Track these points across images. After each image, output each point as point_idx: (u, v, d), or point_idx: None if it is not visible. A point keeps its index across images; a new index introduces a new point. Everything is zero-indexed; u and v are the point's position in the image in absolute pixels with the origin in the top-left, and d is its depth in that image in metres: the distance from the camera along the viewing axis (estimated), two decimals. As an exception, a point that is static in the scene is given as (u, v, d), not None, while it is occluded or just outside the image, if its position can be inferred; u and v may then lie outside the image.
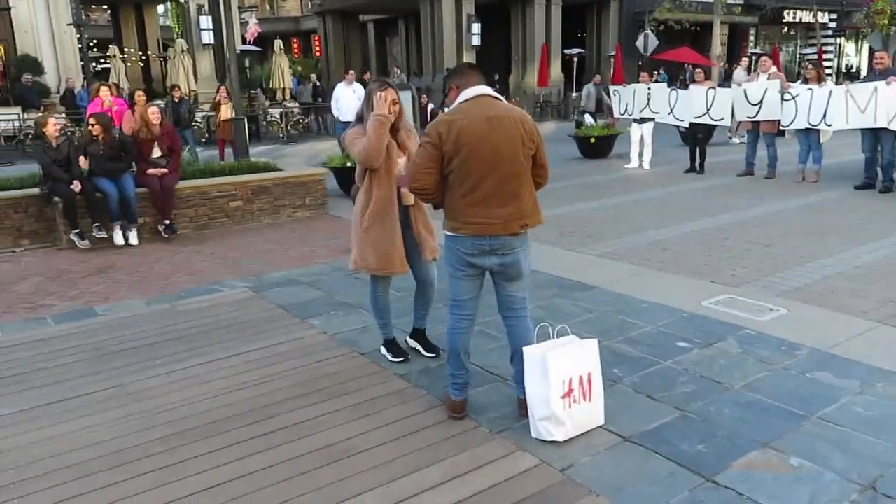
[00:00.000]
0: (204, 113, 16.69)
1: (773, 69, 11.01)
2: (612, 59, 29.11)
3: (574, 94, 24.30)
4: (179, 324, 4.98)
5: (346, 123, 12.24)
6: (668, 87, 12.36)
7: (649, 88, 12.05)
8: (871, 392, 3.62)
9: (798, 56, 36.77)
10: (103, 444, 3.34)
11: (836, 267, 5.87)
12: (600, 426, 3.34)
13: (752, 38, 34.44)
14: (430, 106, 17.28)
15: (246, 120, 9.77)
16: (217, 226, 8.19)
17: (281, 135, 17.71)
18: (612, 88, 13.44)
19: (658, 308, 4.96)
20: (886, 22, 19.79)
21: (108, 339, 4.72)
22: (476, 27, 25.22)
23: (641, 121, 12.06)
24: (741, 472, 2.95)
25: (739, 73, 15.30)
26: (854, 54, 39.66)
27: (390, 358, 4.21)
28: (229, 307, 5.32)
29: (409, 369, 4.09)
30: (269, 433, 3.39)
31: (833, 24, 35.74)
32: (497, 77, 25.38)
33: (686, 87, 11.74)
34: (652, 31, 24.30)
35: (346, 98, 12.29)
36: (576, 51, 25.04)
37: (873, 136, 9.21)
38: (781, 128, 10.46)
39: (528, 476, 2.98)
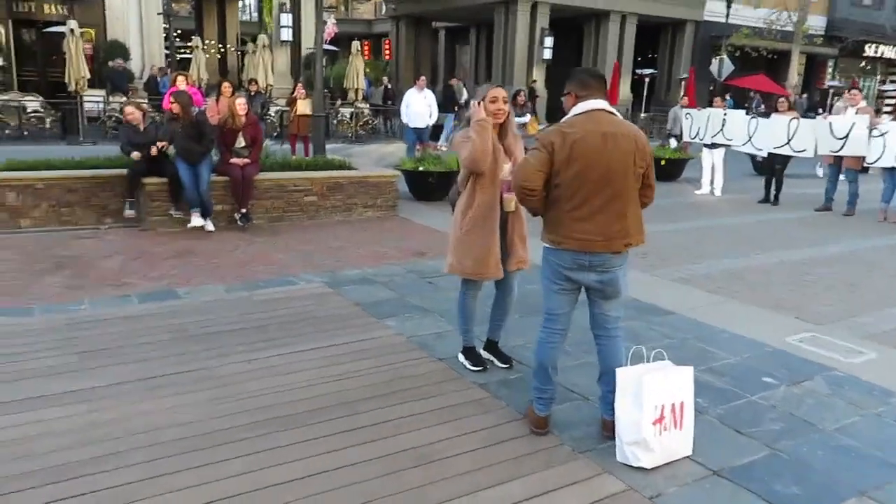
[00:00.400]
0: (278, 108, 17.04)
1: (863, 103, 10.66)
2: (682, 82, 28.72)
3: (643, 115, 24.02)
4: (258, 313, 5.07)
5: (416, 129, 12.35)
6: (746, 114, 12.07)
7: (725, 114, 11.81)
8: (974, 449, 3.45)
9: (876, 91, 35.55)
10: (193, 425, 3.41)
11: (927, 314, 5.63)
12: (687, 456, 3.27)
13: (829, 69, 33.48)
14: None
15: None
16: (290, 219, 8.33)
17: (350, 134, 17.97)
18: (684, 111, 13.21)
19: (740, 340, 4.84)
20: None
21: (191, 322, 4.84)
22: (549, 41, 25.18)
23: (713, 146, 11.83)
24: (839, 519, 2.84)
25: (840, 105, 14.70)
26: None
27: (468, 366, 4.20)
28: (306, 300, 5.40)
29: (487, 379, 4.07)
30: (354, 429, 3.42)
31: (917, 61, 34.50)
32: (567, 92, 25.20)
33: (764, 114, 11.45)
34: (727, 56, 23.87)
35: (417, 104, 12.39)
36: (648, 71, 24.73)
37: (967, 180, 8.83)
38: (865, 165, 10.10)
39: (614, 500, 2.93)
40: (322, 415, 3.56)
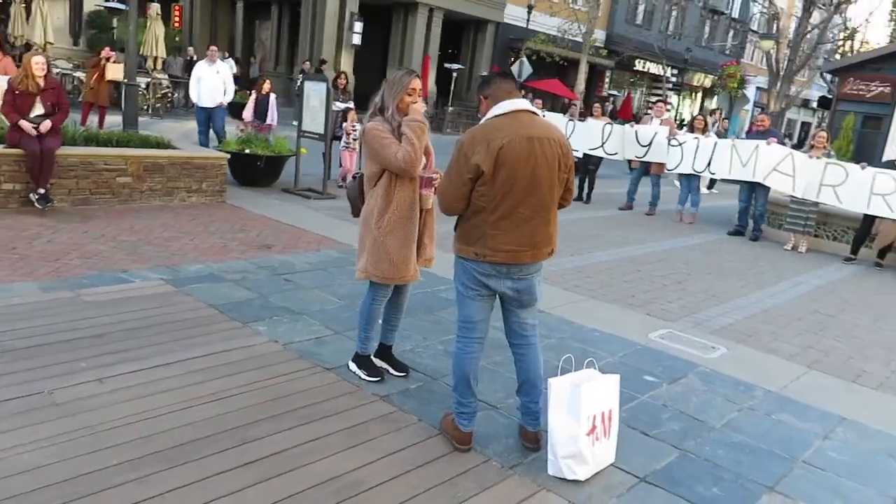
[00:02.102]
0: (60, 70, 14.79)
1: (666, 115, 11.73)
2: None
3: (449, 109, 24.57)
4: (93, 318, 4.24)
5: (206, 109, 10.51)
6: (564, 116, 12.75)
7: (544, 115, 12.36)
8: (834, 437, 3.82)
9: (644, 102, 39.82)
10: (46, 470, 2.69)
11: (748, 309, 6.26)
12: (611, 464, 3.23)
13: (607, 79, 36.85)
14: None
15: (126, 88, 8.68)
16: (99, 202, 7.19)
17: (145, 107, 16.15)
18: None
19: (611, 338, 4.98)
20: (736, 86, 22.00)
21: (5, 332, 3.90)
22: (358, 26, 24.76)
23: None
24: (763, 518, 2.96)
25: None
26: (687, 109, 43.76)
27: (364, 376, 3.84)
28: (149, 302, 4.62)
29: (388, 390, 3.75)
30: (254, 462, 2.92)
31: (674, 79, 39.19)
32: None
33: (581, 118, 12.15)
34: (526, 59, 25.23)
35: (209, 79, 10.43)
36: (455, 66, 25.32)
37: (749, 189, 10.07)
38: (667, 171, 11.14)
39: (563, 520, 2.79)
40: (210, 445, 3.01)
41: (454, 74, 25.03)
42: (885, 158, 14.61)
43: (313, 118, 9.37)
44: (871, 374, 4.95)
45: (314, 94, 9.36)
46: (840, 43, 27.03)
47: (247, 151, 9.13)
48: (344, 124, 10.09)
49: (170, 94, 17.18)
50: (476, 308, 3.19)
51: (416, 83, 3.53)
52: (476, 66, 30.25)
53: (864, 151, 15.13)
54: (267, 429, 3.20)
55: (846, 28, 25.62)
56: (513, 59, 28.87)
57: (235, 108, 12.45)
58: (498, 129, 2.97)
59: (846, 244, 9.47)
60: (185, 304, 4.66)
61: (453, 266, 3.26)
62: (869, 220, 8.99)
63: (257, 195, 8.84)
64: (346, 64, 25.13)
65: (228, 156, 8.43)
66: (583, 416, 3.02)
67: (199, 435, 3.08)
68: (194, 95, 10.68)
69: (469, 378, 3.22)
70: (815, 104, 44.39)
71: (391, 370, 3.97)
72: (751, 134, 11.34)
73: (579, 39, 27.39)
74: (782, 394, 4.35)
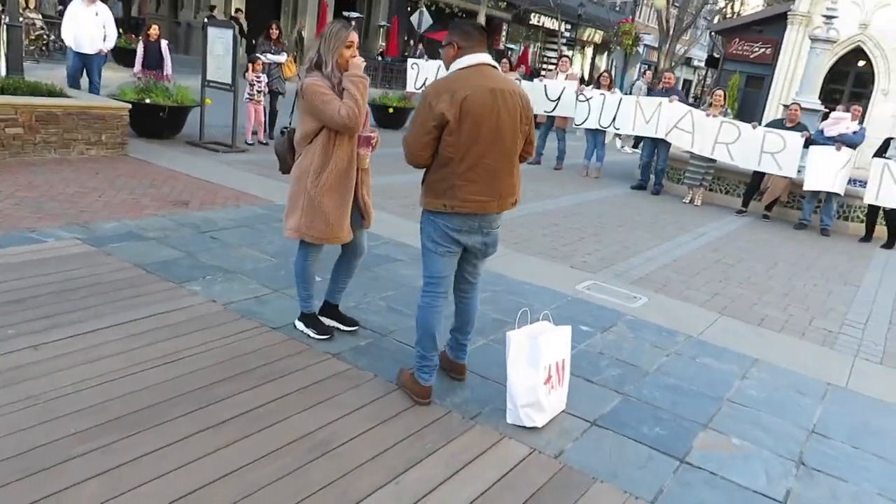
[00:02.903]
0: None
1: (571, 70, 11.99)
2: (381, 30, 29.32)
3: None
4: (11, 282, 3.94)
5: (82, 56, 9.30)
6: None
7: (416, 63, 12.31)
8: (750, 377, 4.19)
9: (540, 57, 40.41)
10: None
11: (659, 260, 6.65)
12: (563, 411, 3.41)
13: (504, 33, 37.04)
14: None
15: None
16: (-12, 155, 6.59)
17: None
18: (410, 61, 13.49)
19: (543, 291, 5.18)
20: (630, 42, 22.74)
21: (-88, 298, 3.57)
22: (249, -33, 23.47)
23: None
24: (702, 453, 3.23)
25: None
26: (578, 64, 44.85)
27: (312, 334, 3.81)
28: (70, 263, 4.34)
29: (339, 348, 3.74)
30: (223, 423, 2.87)
31: (568, 34, 39.94)
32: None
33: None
34: (426, 9, 24.89)
35: (86, 21, 9.09)
36: (354, 14, 24.55)
37: (652, 144, 10.56)
38: (574, 126, 11.46)
39: (528, 465, 2.93)
40: (173, 409, 2.92)
41: (353, 23, 24.24)
42: (766, 116, 15.70)
43: (218, 67, 8.91)
44: (773, 318, 5.42)
45: (219, 41, 8.88)
46: (723, 4, 28.43)
47: (147, 101, 8.57)
48: (246, 74, 9.63)
49: (45, 37, 15.72)
50: (444, 263, 3.25)
51: (354, 36, 3.49)
52: (374, 16, 29.56)
53: (748, 110, 16.18)
54: (227, 389, 3.14)
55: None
56: (409, 8, 28.45)
57: (123, 56, 11.53)
58: (461, 81, 3.02)
59: (737, 197, 10.18)
60: (109, 265, 4.41)
61: (420, 223, 3.29)
62: (759, 175, 9.68)
63: (162, 148, 8.37)
64: (237, 3, 23.89)
65: (129, 106, 7.89)
66: (541, 366, 3.16)
67: (159, 399, 2.98)
68: (69, 38, 9.27)
69: (434, 332, 3.29)
70: (696, 62, 46.77)
71: (341, 326, 3.96)
72: (655, 91, 11.81)
73: (478, -9, 27.37)
74: (701, 339, 4.70)
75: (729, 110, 10.29)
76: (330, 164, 3.46)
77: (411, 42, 28.34)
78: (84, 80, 9.50)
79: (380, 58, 26.24)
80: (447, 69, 3.16)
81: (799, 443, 3.46)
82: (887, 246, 8.98)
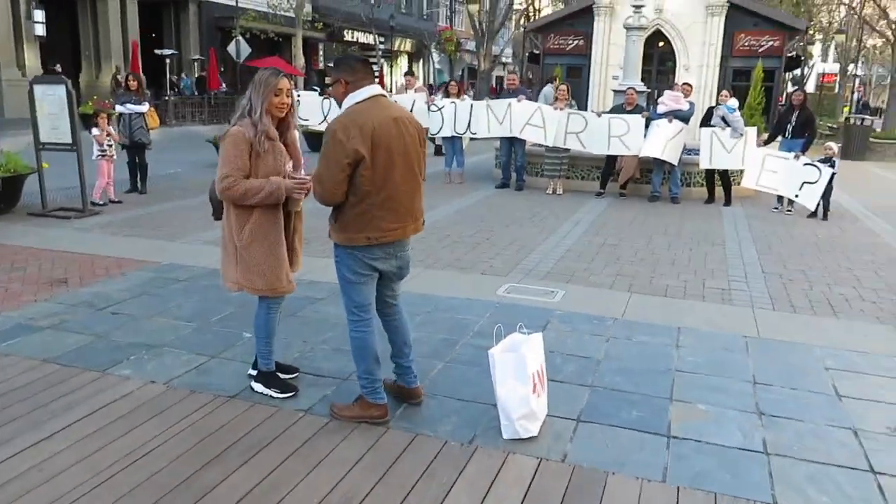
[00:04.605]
0: None
1: (419, 84, 12.21)
2: (195, 63, 28.05)
3: (171, 98, 22.72)
4: None
5: None
6: (320, 95, 12.59)
7: (298, 96, 12.14)
8: (682, 345, 4.54)
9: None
10: None
11: (555, 252, 6.98)
12: (548, 415, 3.50)
13: (321, 52, 36.82)
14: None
15: None
16: None
17: None
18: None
19: (472, 302, 5.26)
20: (453, 49, 23.50)
21: None
22: (39, 14, 21.62)
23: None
24: (682, 424, 3.46)
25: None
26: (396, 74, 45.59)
27: (276, 395, 3.62)
28: (-35, 374, 3.80)
29: (307, 402, 3.59)
30: (233, 510, 2.66)
31: (383, 46, 40.48)
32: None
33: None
34: (241, 38, 24.18)
35: None
36: (167, 52, 23.39)
37: (509, 143, 11.01)
38: (431, 135, 11.67)
39: (544, 475, 2.99)
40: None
41: (167, 61, 23.14)
42: (589, 102, 16.90)
43: (53, 126, 8.14)
44: (674, 286, 5.89)
45: (48, 100, 8.11)
46: (526, 3, 30.19)
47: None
48: (94, 130, 8.88)
49: None
50: (368, 291, 3.35)
51: (284, 83, 3.41)
52: (185, 50, 28.25)
53: (573, 98, 17.29)
54: (216, 475, 2.91)
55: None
56: (222, 38, 27.52)
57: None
58: (364, 114, 3.10)
59: (593, 181, 10.89)
60: (14, 366, 3.91)
61: (335, 257, 3.31)
62: (612, 158, 10.42)
63: (1, 224, 7.51)
64: (31, 58, 21.89)
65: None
66: (527, 377, 3.23)
67: (147, 502, 2.71)
68: None
69: (376, 352, 3.37)
70: (504, 59, 49.23)
71: (283, 376, 3.80)
72: (502, 93, 12.31)
73: (291, 14, 27.00)
74: (626, 319, 5.01)
75: (573, 103, 10.99)
76: (253, 214, 3.36)
77: (234, 72, 27.37)
78: None
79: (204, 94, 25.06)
80: (339, 105, 3.25)
81: (751, 395, 3.80)
82: (727, 203, 10.03)
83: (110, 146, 8.78)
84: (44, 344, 4.23)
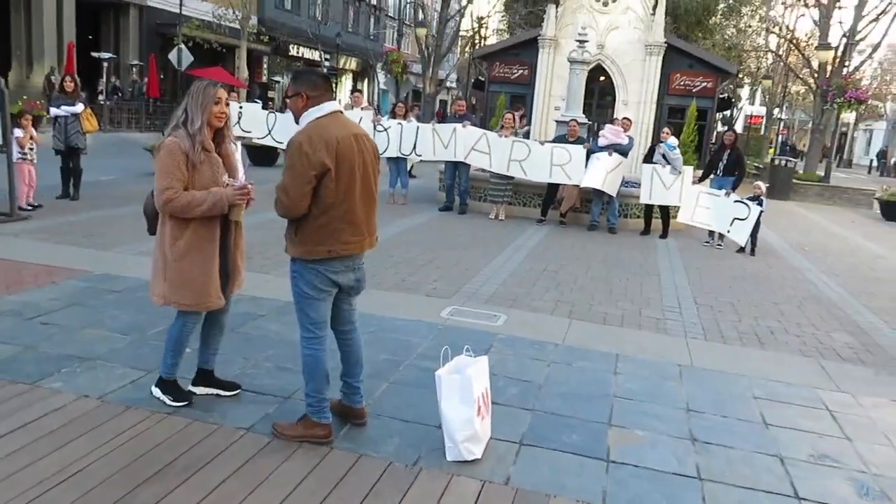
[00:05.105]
0: None
1: (365, 103, 12.22)
2: (133, 69, 27.29)
3: (107, 102, 22.02)
4: None
5: None
6: (263, 108, 12.43)
7: (241, 107, 11.98)
8: (620, 371, 4.67)
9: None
10: None
11: (497, 276, 7.07)
12: (491, 437, 3.54)
13: (265, 65, 36.43)
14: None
15: None
16: None
17: None
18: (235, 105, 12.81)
19: (416, 324, 5.27)
20: (400, 70, 23.65)
21: None
22: (-34, 9, 20.64)
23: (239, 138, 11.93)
24: (620, 448, 3.56)
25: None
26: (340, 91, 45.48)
27: (169, 401, 3.58)
28: None
29: (249, 420, 3.53)
30: (172, 532, 2.59)
31: (328, 63, 40.36)
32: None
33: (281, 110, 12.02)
34: (184, 46, 23.73)
35: None
36: (106, 55, 22.70)
37: (453, 167, 11.13)
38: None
39: (487, 497, 3.02)
40: (103, 530, 2.57)
41: (105, 64, 22.45)
42: (532, 131, 17.26)
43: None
44: (612, 314, 6.05)
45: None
46: (472, 31, 30.73)
47: None
48: (16, 131, 8.52)
49: None
50: (324, 308, 3.36)
51: (223, 93, 3.43)
52: (123, 55, 27.47)
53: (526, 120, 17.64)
54: (152, 494, 2.82)
55: (477, 19, 29.22)
56: (163, 45, 26.93)
57: None
58: (328, 129, 3.16)
59: (534, 208, 11.11)
60: (-67, 377, 3.70)
61: (292, 272, 3.31)
62: (553, 186, 10.66)
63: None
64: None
65: None
66: (472, 399, 3.27)
67: (77, 523, 2.60)
68: None
69: (327, 371, 3.37)
70: (449, 84, 49.82)
71: (222, 392, 3.76)
72: (449, 118, 12.45)
73: (235, 25, 26.69)
74: (567, 345, 5.12)
75: (518, 131, 11.21)
76: (189, 227, 3.32)
77: (173, 79, 26.79)
78: None
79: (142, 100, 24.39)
80: (297, 120, 3.28)
81: (684, 422, 3.94)
82: (663, 236, 10.40)
83: (31, 149, 8.45)
84: (-34, 354, 4.03)
